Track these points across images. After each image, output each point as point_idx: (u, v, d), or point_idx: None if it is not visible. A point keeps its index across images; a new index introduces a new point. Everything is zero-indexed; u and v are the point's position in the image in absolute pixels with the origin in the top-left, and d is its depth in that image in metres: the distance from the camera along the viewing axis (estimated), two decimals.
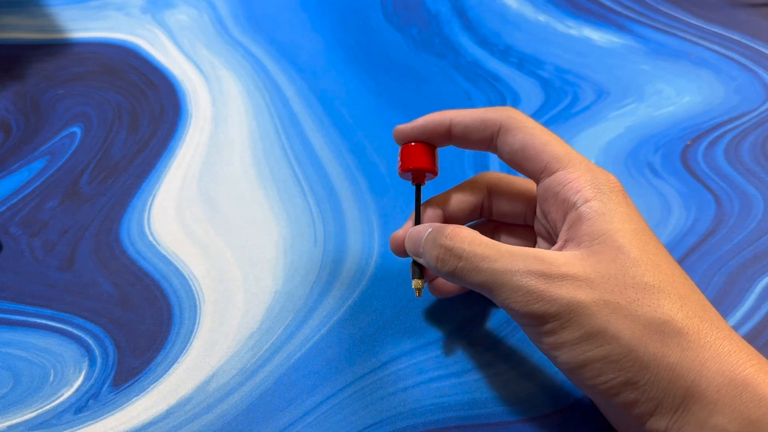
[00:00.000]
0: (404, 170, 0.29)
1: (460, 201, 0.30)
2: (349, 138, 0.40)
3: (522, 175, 0.28)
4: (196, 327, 0.31)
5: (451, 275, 0.25)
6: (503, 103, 0.42)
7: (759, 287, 0.32)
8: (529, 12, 0.50)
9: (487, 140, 0.27)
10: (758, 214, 0.36)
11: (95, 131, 0.41)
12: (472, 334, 0.31)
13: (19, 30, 0.48)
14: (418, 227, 0.27)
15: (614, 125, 0.40)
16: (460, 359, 0.30)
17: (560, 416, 0.28)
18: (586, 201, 0.24)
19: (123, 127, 0.41)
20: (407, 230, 0.28)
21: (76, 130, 0.41)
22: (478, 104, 0.42)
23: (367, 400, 0.28)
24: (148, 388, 0.29)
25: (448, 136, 0.28)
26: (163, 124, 0.41)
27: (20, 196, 0.37)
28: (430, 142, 0.28)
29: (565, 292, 0.22)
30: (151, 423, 0.27)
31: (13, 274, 0.33)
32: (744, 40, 0.47)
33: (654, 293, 0.22)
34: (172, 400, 0.28)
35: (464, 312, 0.31)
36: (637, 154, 0.39)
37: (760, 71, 0.44)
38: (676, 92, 0.43)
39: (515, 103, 0.42)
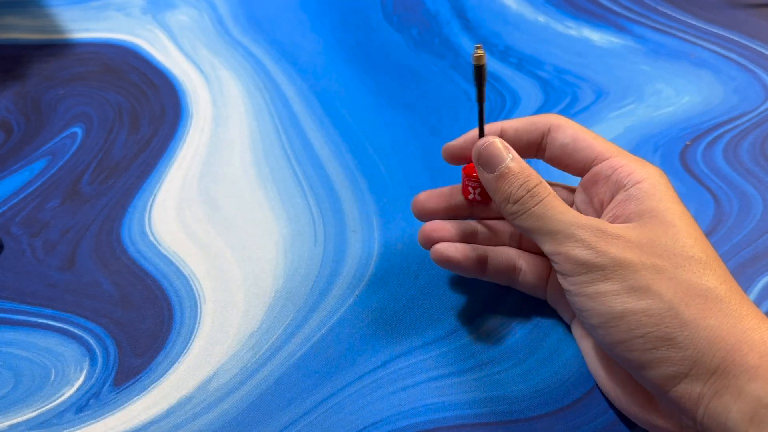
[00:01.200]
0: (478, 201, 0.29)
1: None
2: (349, 138, 0.40)
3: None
4: (196, 326, 0.31)
5: (517, 213, 0.25)
6: (503, 104, 0.42)
7: (758, 287, 0.32)
8: (529, 13, 0.50)
9: (537, 141, 0.28)
10: (757, 214, 0.36)
11: (96, 131, 0.41)
12: (471, 334, 0.31)
13: (19, 30, 0.48)
14: (497, 143, 0.26)
15: (613, 125, 0.41)
16: (460, 358, 0.30)
17: (560, 415, 0.28)
18: (637, 183, 0.25)
19: (124, 128, 0.41)
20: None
21: (77, 130, 0.41)
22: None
23: (367, 399, 0.28)
24: (148, 387, 0.29)
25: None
26: (164, 125, 0.41)
27: (21, 196, 0.37)
28: None
29: (615, 248, 0.23)
30: (152, 422, 0.28)
31: (14, 274, 0.33)
32: (743, 41, 0.47)
33: (700, 264, 0.23)
34: (172, 400, 0.28)
35: (464, 311, 0.32)
36: (636, 154, 0.39)
37: (760, 71, 0.44)
38: (675, 92, 0.43)
39: (515, 103, 0.42)
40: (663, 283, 0.22)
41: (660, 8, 0.50)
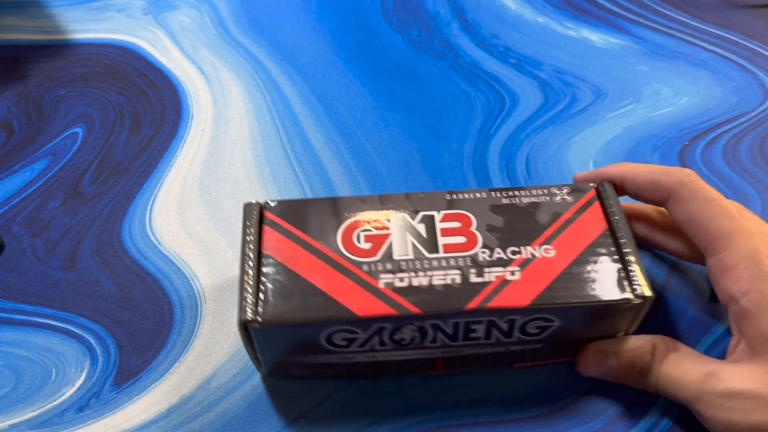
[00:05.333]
0: None
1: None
2: (349, 138, 0.40)
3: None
4: (197, 326, 0.31)
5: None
6: (503, 104, 0.42)
7: None
8: (528, 13, 0.50)
9: (658, 203, 0.26)
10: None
11: (97, 132, 0.41)
12: None
13: (20, 31, 0.49)
14: (600, 348, 0.26)
15: (612, 126, 0.41)
16: None
17: (561, 415, 0.28)
18: (745, 294, 0.22)
19: (125, 128, 0.41)
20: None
21: (78, 130, 0.41)
22: (478, 105, 0.42)
23: (368, 398, 0.28)
24: (149, 387, 0.29)
25: (621, 190, 0.27)
26: (165, 125, 0.41)
27: (22, 196, 0.37)
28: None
29: None
30: (153, 422, 0.28)
31: (15, 273, 0.33)
32: (742, 41, 0.47)
33: None
34: (173, 399, 0.28)
35: None
36: (635, 155, 0.39)
37: (758, 72, 0.44)
38: (674, 93, 0.43)
39: (514, 103, 0.42)
40: None
41: (659, 8, 0.50)
